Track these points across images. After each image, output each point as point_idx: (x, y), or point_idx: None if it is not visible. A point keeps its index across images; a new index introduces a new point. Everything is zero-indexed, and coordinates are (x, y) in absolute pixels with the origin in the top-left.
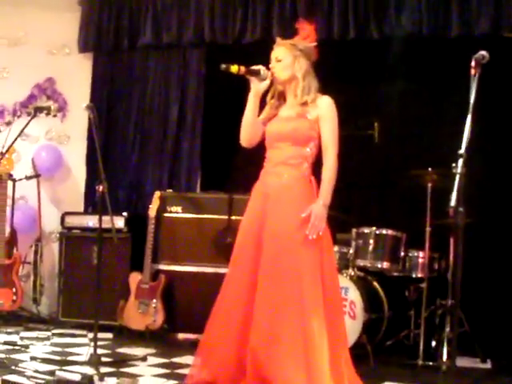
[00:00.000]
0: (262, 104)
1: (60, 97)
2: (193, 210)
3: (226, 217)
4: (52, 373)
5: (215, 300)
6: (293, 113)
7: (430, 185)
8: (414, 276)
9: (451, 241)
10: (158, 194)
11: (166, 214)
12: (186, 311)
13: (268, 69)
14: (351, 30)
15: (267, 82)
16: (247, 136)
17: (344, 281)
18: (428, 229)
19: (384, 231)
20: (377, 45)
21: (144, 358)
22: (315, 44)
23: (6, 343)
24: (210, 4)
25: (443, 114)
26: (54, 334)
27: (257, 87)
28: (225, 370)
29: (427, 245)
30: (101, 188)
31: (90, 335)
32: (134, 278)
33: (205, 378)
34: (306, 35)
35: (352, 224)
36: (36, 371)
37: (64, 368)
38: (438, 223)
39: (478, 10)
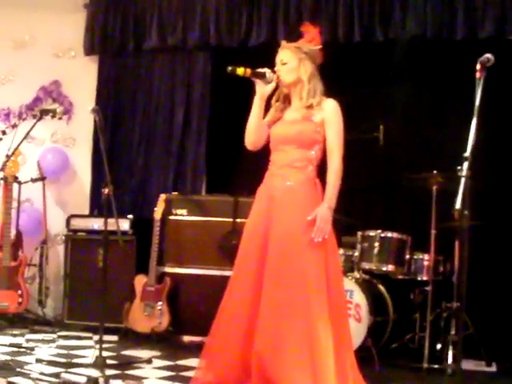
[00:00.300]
0: (267, 107)
1: (66, 99)
2: (198, 213)
3: (231, 219)
4: (57, 375)
5: (220, 302)
6: (298, 116)
7: (435, 187)
8: (419, 279)
9: (456, 244)
10: (163, 196)
11: (172, 217)
12: (191, 314)
13: (273, 72)
14: (356, 33)
15: (273, 85)
16: (252, 139)
17: (349, 284)
18: (433, 232)
19: (389, 234)
20: (382, 47)
21: (149, 361)
22: (320, 47)
23: (11, 345)
24: (216, 7)
25: (448, 116)
26: (59, 337)
27: (262, 90)
28: (230, 373)
29: (432, 248)
30: (106, 191)
31: (96, 337)
32: (140, 281)
33: (210, 380)
34: (311, 38)
35: (357, 227)
36: (41, 373)
37: (69, 370)
38: (443, 226)
39: (483, 13)
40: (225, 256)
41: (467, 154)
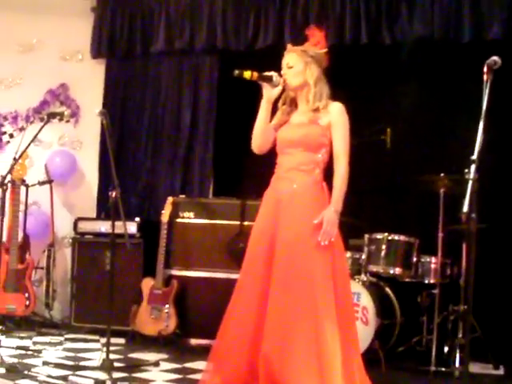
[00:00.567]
0: (274, 110)
1: (73, 103)
2: (205, 216)
3: (239, 222)
4: (64, 378)
5: (228, 305)
6: (304, 119)
7: (442, 190)
8: (426, 282)
9: (464, 246)
10: (170, 199)
11: (179, 220)
12: (198, 317)
13: (280, 75)
14: (363, 35)
15: (279, 89)
16: (259, 142)
17: (356, 286)
18: (440, 234)
19: (396, 237)
20: (389, 50)
21: (156, 364)
22: (326, 50)
23: (18, 348)
24: (223, 10)
25: (455, 119)
26: (66, 339)
27: (269, 93)
28: (237, 376)
29: (439, 250)
30: (114, 193)
31: (103, 340)
32: (147, 284)
33: (217, 383)
34: (316, 41)
35: (364, 230)
36: (49, 376)
37: (76, 373)
38: (451, 229)
39: (489, 15)
40: (232, 259)
41: (474, 156)
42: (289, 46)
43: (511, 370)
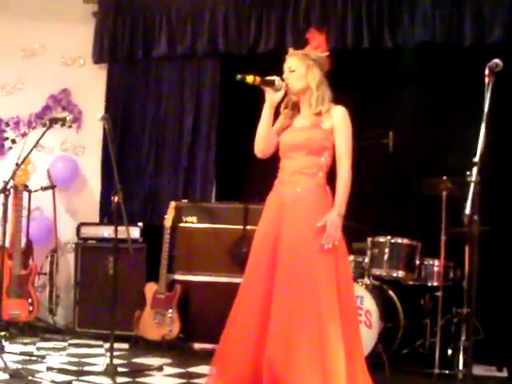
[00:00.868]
0: (276, 114)
1: (75, 108)
2: (208, 220)
3: (242, 226)
4: (68, 383)
5: (231, 309)
6: (307, 123)
7: (444, 193)
8: (429, 284)
9: (466, 249)
10: (173, 204)
11: (182, 224)
12: (201, 321)
13: (282, 79)
14: (365, 40)
15: (282, 93)
16: (262, 147)
17: (359, 290)
18: (443, 237)
19: (399, 240)
20: (390, 54)
21: (160, 368)
22: (327, 54)
23: (22, 354)
24: (224, 14)
25: (457, 122)
26: (70, 345)
27: (272, 98)
28: (241, 380)
29: (442, 253)
30: (116, 198)
31: (106, 345)
32: (150, 288)
33: None
34: (317, 45)
35: (367, 233)
36: (52, 382)
37: (80, 378)
38: (453, 232)
39: (491, 19)
40: (235, 263)
41: (476, 159)
42: (290, 50)
43: None
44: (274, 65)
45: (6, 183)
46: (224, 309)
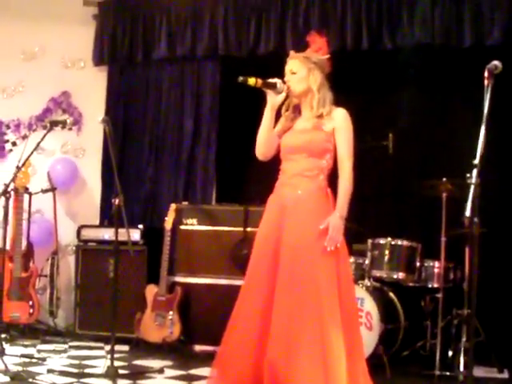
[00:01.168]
0: (277, 116)
1: (75, 110)
2: (208, 222)
3: (242, 229)
4: None
5: (232, 312)
6: (308, 125)
7: (444, 195)
8: (429, 286)
9: (466, 250)
10: (173, 206)
11: (182, 227)
12: (202, 323)
13: (284, 82)
14: (364, 41)
15: (283, 95)
16: (263, 149)
17: (360, 292)
18: (443, 239)
19: (399, 242)
20: (390, 55)
21: (161, 371)
22: (328, 56)
23: (23, 356)
24: (224, 16)
25: (457, 124)
26: (70, 347)
27: (273, 100)
28: (242, 382)
29: (443, 255)
30: (117, 201)
31: (107, 348)
32: (151, 291)
33: None
34: (318, 47)
35: (367, 235)
36: None
37: (81, 381)
38: (454, 233)
39: (490, 20)
40: (236, 265)
41: (476, 161)
42: (291, 53)
43: None
44: (273, 67)
45: (7, 186)
46: (225, 311)
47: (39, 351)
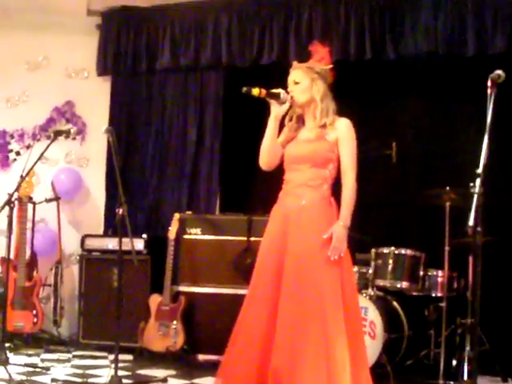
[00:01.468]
0: (281, 126)
1: (79, 120)
2: (212, 232)
3: (246, 238)
4: None
5: (235, 321)
6: (312, 135)
7: (448, 204)
8: (433, 295)
9: (470, 260)
10: (177, 216)
11: (186, 236)
12: (206, 332)
13: (287, 92)
14: (367, 51)
15: (287, 105)
16: (266, 159)
17: (364, 301)
18: (447, 248)
19: (403, 251)
20: (393, 65)
21: (165, 380)
22: (331, 66)
23: (26, 365)
24: (227, 26)
25: (460, 133)
26: (74, 356)
27: (277, 110)
28: None
29: (446, 264)
30: (121, 210)
31: (111, 357)
32: (154, 300)
33: None
34: (321, 57)
35: (371, 244)
36: None
37: None
38: (457, 242)
39: (493, 29)
40: (239, 275)
41: (480, 170)
42: (295, 63)
43: None
44: (276, 77)
45: (11, 195)
46: (228, 320)
47: (43, 360)
